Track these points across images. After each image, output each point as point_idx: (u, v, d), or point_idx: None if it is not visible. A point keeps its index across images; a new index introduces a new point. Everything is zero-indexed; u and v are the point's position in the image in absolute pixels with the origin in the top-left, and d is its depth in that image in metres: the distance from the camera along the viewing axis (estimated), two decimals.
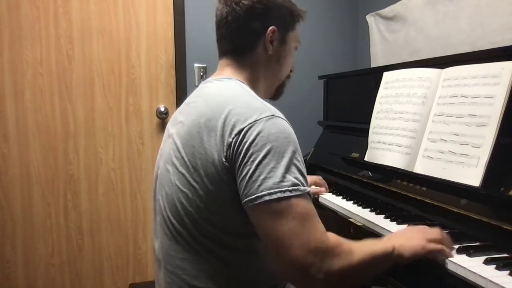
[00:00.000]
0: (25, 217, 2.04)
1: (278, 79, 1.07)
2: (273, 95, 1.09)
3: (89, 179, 2.12)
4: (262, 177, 0.77)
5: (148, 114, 2.18)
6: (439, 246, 0.89)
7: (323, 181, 1.58)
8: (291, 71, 1.11)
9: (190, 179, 0.86)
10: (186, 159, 0.87)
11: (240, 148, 0.80)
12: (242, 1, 0.96)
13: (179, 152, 0.90)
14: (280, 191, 0.76)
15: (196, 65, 2.22)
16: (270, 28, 0.98)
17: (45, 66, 2.02)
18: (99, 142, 2.12)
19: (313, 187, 1.55)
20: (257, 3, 0.97)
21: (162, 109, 2.17)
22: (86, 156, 2.11)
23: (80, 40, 2.06)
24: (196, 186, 0.85)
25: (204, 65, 2.22)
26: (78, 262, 2.13)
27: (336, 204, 1.38)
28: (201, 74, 2.22)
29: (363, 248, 0.82)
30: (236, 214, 0.85)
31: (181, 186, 0.88)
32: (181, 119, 0.96)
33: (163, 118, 2.18)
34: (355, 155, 1.56)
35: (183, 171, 0.88)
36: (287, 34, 1.02)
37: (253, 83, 0.99)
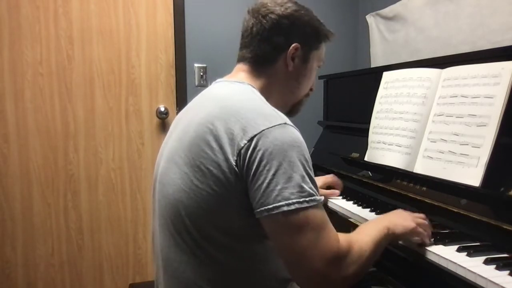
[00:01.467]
0: (25, 217, 2.04)
1: (295, 96, 1.06)
2: (289, 112, 1.06)
3: (89, 179, 2.12)
4: (279, 187, 0.77)
5: (148, 114, 2.18)
6: (425, 232, 0.95)
7: (336, 180, 1.49)
8: (311, 89, 1.09)
9: (193, 179, 0.84)
10: (190, 158, 0.86)
11: (254, 155, 0.79)
12: (269, 15, 0.96)
13: (183, 151, 0.88)
14: (298, 202, 0.77)
15: (196, 65, 2.21)
16: (294, 45, 0.97)
17: (45, 66, 2.02)
18: (99, 142, 2.12)
19: (322, 190, 1.43)
20: (284, 18, 0.97)
21: (162, 109, 2.17)
22: (86, 156, 2.11)
23: (80, 40, 2.06)
24: (200, 185, 0.84)
25: (204, 65, 2.22)
26: (78, 262, 2.13)
27: (336, 204, 1.38)
28: (201, 74, 2.22)
29: (367, 240, 0.85)
30: (239, 217, 0.84)
31: (183, 186, 0.86)
32: (187, 118, 0.94)
33: (163, 118, 2.18)
34: (355, 155, 1.56)
35: (186, 170, 0.86)
36: (310, 53, 1.02)
37: (266, 94, 0.96)
